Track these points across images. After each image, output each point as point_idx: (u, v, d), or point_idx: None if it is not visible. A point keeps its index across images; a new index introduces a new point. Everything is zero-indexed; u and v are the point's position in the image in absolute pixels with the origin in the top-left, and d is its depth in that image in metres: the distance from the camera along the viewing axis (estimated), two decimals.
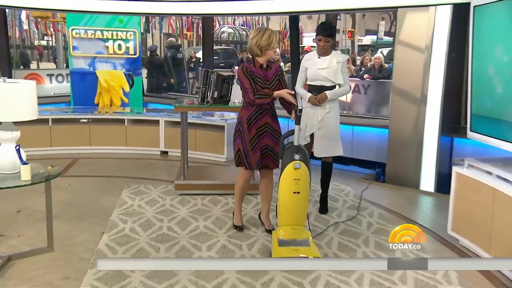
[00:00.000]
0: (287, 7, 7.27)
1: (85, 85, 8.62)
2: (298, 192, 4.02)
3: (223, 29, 26.66)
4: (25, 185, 3.79)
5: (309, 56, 5.07)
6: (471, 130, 4.79)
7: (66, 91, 9.29)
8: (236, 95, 8.86)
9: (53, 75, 10.34)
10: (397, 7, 6.37)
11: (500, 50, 4.31)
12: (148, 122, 8.03)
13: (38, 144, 7.36)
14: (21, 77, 8.69)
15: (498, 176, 3.98)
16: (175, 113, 7.42)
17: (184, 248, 4.21)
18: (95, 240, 4.35)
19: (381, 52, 14.76)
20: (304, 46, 17.57)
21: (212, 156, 7.43)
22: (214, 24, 12.77)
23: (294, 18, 8.50)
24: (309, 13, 7.70)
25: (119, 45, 8.63)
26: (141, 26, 10.70)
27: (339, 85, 4.94)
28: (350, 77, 10.53)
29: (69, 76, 9.05)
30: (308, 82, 5.00)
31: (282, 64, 11.03)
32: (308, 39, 22.20)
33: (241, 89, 4.40)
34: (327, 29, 4.91)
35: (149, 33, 22.25)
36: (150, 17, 20.47)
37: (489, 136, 4.51)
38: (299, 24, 9.04)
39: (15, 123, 3.93)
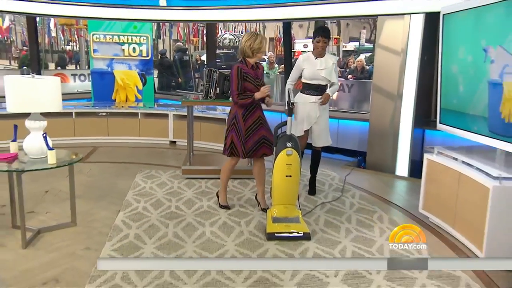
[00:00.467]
0: (281, 15, 7.25)
1: (104, 83, 8.61)
2: (290, 176, 4.03)
3: (225, 35, 26.59)
4: (51, 168, 3.77)
5: (305, 57, 4.96)
6: (440, 123, 4.80)
7: (88, 88, 9.27)
8: None
9: (76, 74, 10.35)
10: (377, 15, 6.35)
11: (463, 52, 4.32)
12: (159, 116, 8.01)
13: (63, 134, 7.35)
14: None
15: (463, 162, 3.99)
16: (182, 107, 7.40)
17: (190, 224, 4.20)
18: (112, 217, 4.36)
19: (365, 57, 14.76)
20: (295, 51, 17.59)
21: (215, 145, 7.40)
22: (217, 31, 12.72)
23: (287, 25, 8.48)
24: (300, 20, 7.66)
25: (134, 48, 8.60)
26: (153, 32, 10.66)
27: (332, 83, 4.94)
28: None
29: (90, 76, 9.03)
30: (306, 81, 4.91)
31: (276, 66, 11.00)
32: (299, 44, 22.23)
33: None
34: (325, 30, 4.95)
35: (160, 38, 22.13)
36: (161, 24, 20.36)
37: (455, 128, 4.52)
38: (291, 31, 8.99)
39: (42, 114, 3.92)
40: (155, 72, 10.30)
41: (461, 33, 4.40)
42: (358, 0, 6.36)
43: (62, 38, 28.49)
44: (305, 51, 5.24)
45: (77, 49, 23.66)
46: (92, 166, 6.25)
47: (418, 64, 6.02)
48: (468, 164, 3.90)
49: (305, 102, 4.86)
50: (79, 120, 7.75)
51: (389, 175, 6.29)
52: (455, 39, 4.49)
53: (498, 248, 3.50)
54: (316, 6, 6.74)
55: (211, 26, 9.68)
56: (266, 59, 12.37)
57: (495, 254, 3.52)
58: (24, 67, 10.31)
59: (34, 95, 3.73)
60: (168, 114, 7.92)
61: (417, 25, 5.96)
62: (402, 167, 6.28)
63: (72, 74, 10.37)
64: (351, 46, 29.07)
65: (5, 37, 29.00)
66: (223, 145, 4.59)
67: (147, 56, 8.69)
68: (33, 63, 9.11)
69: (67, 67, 17.46)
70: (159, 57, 11.35)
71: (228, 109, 5.10)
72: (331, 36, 5.05)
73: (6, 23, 26.38)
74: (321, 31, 4.89)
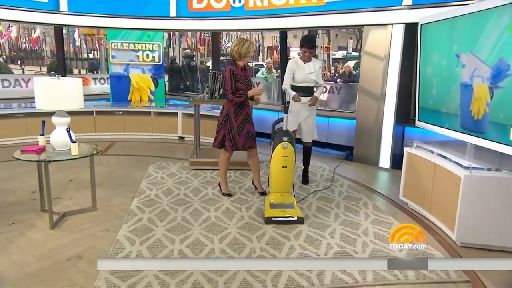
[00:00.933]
0: (278, 25, 7.26)
1: (121, 86, 8.59)
2: (286, 167, 4.05)
3: (228, 44, 26.53)
4: (74, 159, 3.78)
5: (295, 62, 4.91)
6: (418, 120, 4.80)
7: (107, 90, 9.25)
8: None
9: (97, 78, 10.31)
10: (363, 25, 6.34)
11: (438, 58, 4.32)
12: (169, 114, 7.98)
13: (85, 131, 7.34)
14: None
15: (438, 154, 3.99)
16: (190, 106, 7.42)
17: (196, 210, 4.20)
18: (128, 203, 4.36)
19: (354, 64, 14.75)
20: (290, 58, 17.54)
21: None
22: (221, 40, 12.68)
23: (283, 34, 8.46)
24: (295, 29, 7.64)
25: (147, 55, 8.58)
26: (164, 40, 10.63)
27: (318, 85, 4.92)
28: (326, 80, 10.60)
29: (108, 79, 9.02)
30: (296, 84, 4.86)
31: (274, 70, 10.97)
32: (294, 52, 22.18)
33: (224, 85, 4.46)
34: (310, 41, 4.86)
35: (170, 47, 22.11)
36: (171, 34, 20.34)
37: (432, 124, 4.53)
38: (287, 40, 8.97)
39: (66, 112, 3.93)
40: (166, 76, 10.28)
41: (436, 41, 4.40)
42: (347, 11, 6.36)
43: (85, 47, 28.53)
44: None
45: (98, 56, 23.71)
46: (110, 158, 6.25)
47: (399, 68, 6.01)
48: (443, 156, 3.90)
49: (296, 103, 4.82)
50: (99, 118, 7.74)
51: (373, 167, 6.29)
52: (432, 46, 4.49)
53: (468, 230, 3.51)
54: (309, 16, 6.74)
55: (216, 35, 9.67)
56: (265, 65, 12.35)
57: (465, 235, 3.54)
58: (52, 72, 10.32)
59: (59, 94, 3.74)
60: (177, 113, 7.91)
61: (398, 34, 5.95)
62: (385, 159, 6.28)
63: (93, 78, 10.36)
64: (339, 54, 29.12)
65: (36, 47, 29.06)
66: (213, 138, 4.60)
67: (159, 61, 8.67)
68: (59, 68, 9.14)
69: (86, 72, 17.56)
70: (169, 63, 11.32)
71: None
72: (316, 45, 5.00)
73: (37, 34, 26.46)
74: (305, 41, 4.80)
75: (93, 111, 7.72)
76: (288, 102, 4.22)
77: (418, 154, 4.28)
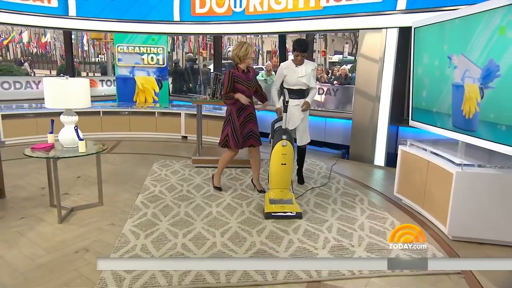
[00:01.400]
0: (277, 29, 7.25)
1: (126, 87, 8.57)
2: (285, 164, 4.04)
3: (229, 48, 26.52)
4: (81, 155, 3.78)
5: (287, 65, 4.73)
6: (412, 119, 4.79)
7: (113, 92, 9.23)
8: None
9: (104, 80, 10.29)
10: (359, 29, 6.33)
11: (431, 60, 4.31)
12: (173, 114, 7.98)
13: (93, 130, 7.36)
14: None
15: (431, 152, 3.98)
16: (193, 107, 7.42)
17: (199, 205, 4.19)
18: (133, 199, 4.35)
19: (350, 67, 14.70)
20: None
21: None
22: (222, 44, 12.66)
23: (282, 37, 8.46)
24: (293, 33, 7.64)
25: (152, 58, 8.56)
26: (168, 45, 10.60)
27: (310, 87, 4.75)
28: (324, 83, 10.59)
29: (115, 81, 9.00)
30: (289, 87, 4.69)
31: (273, 73, 10.95)
32: (292, 56, 22.16)
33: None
34: (302, 45, 4.62)
35: (174, 51, 22.08)
36: (175, 38, 20.33)
37: (425, 123, 4.52)
38: (286, 45, 8.97)
39: (74, 111, 3.92)
40: (170, 79, 10.26)
41: (429, 44, 4.39)
42: (343, 16, 6.35)
43: (93, 51, 28.57)
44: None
45: (105, 59, 23.73)
46: (116, 157, 6.24)
47: (393, 70, 6.00)
48: (435, 154, 3.90)
49: (289, 105, 4.47)
50: (105, 118, 7.74)
51: (368, 165, 6.28)
52: (424, 49, 4.48)
53: (459, 224, 3.50)
54: (307, 21, 6.73)
55: (217, 39, 9.66)
56: (264, 68, 12.33)
57: (457, 229, 3.53)
58: (61, 74, 10.30)
59: (67, 93, 3.74)
60: (180, 113, 7.91)
61: (392, 37, 5.94)
62: (380, 158, 6.26)
63: (100, 80, 10.34)
64: (336, 58, 29.08)
65: (46, 50, 29.11)
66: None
67: (163, 64, 8.65)
68: (68, 70, 9.15)
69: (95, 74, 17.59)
70: (173, 66, 11.32)
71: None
72: (308, 48, 4.73)
73: (47, 39, 26.51)
74: (297, 45, 4.60)
75: (100, 112, 7.72)
76: (287, 102, 4.19)
77: (411, 152, 4.27)
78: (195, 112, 6.37)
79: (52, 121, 4.04)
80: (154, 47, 8.53)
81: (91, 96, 4.02)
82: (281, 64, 4.86)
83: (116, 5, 8.13)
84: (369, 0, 6.06)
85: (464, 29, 3.74)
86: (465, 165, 3.46)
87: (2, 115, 6.93)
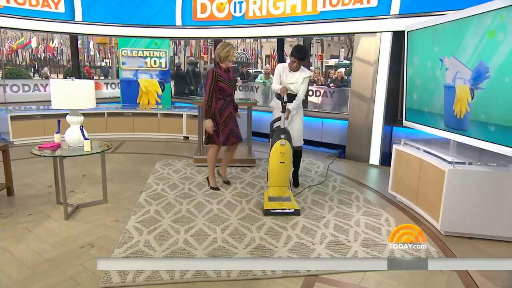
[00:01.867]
0: (276, 33, 7.26)
1: (130, 90, 8.57)
2: (283, 162, 4.03)
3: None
4: (87, 154, 3.78)
5: (282, 68, 4.51)
6: (406, 120, 4.80)
7: (117, 94, 9.24)
8: (238, 94, 8.87)
9: (108, 83, 10.31)
10: (354, 33, 6.34)
11: (424, 62, 4.31)
12: (175, 116, 7.97)
13: (98, 131, 7.37)
14: None
15: (424, 150, 3.99)
16: (194, 109, 7.43)
17: (200, 203, 4.18)
18: (136, 196, 4.35)
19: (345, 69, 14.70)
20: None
21: None
22: None
23: (281, 41, 8.47)
24: (291, 37, 7.64)
25: (155, 61, 8.55)
26: (171, 48, 10.60)
27: (298, 95, 4.47)
28: (320, 85, 10.58)
29: (119, 84, 9.00)
30: None
31: (272, 76, 10.94)
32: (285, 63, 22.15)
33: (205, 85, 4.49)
34: (300, 52, 4.35)
35: (176, 55, 22.07)
36: (177, 43, 20.33)
37: (418, 123, 4.53)
38: (284, 49, 8.98)
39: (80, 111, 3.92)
40: (172, 82, 10.27)
41: (421, 47, 4.40)
42: (339, 20, 6.36)
43: (98, 56, 28.62)
44: None
45: (110, 64, 23.77)
46: (120, 156, 6.23)
47: (387, 73, 6.01)
48: (428, 152, 3.90)
49: (279, 107, 4.36)
50: (110, 119, 7.74)
51: (364, 164, 6.28)
52: (417, 51, 4.49)
53: (451, 220, 3.50)
54: (304, 25, 6.75)
55: (218, 43, 9.61)
56: (263, 71, 12.32)
57: (449, 225, 3.53)
58: (68, 76, 10.33)
59: (73, 94, 3.73)
60: (182, 114, 7.91)
61: (386, 41, 5.95)
62: (375, 157, 6.27)
63: (105, 83, 10.35)
64: (332, 62, 29.11)
65: (54, 55, 29.15)
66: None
67: (166, 67, 8.65)
68: (74, 73, 9.21)
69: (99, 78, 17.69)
70: (175, 69, 11.30)
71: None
72: (306, 57, 4.44)
73: (54, 44, 26.54)
74: (296, 51, 4.35)
75: (104, 113, 7.71)
76: (286, 102, 4.18)
77: (405, 150, 4.27)
78: (196, 113, 6.37)
79: (59, 121, 4.04)
80: (157, 51, 8.53)
81: (96, 98, 4.02)
82: (278, 64, 4.69)
83: (121, 10, 8.16)
84: (364, 5, 6.07)
85: (455, 33, 3.75)
86: (456, 163, 3.46)
87: (11, 116, 6.93)
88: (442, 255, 3.16)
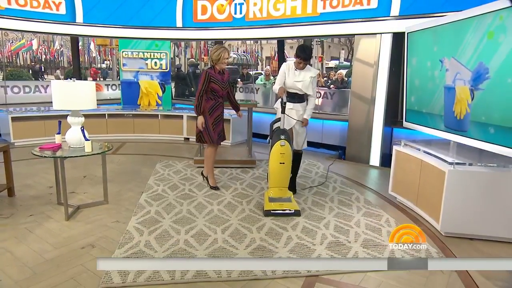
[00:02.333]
0: (276, 34, 7.28)
1: (131, 91, 8.59)
2: (283, 163, 4.02)
3: (230, 54, 26.50)
4: (88, 155, 3.78)
5: (288, 66, 4.41)
6: (406, 121, 4.80)
7: (118, 96, 9.27)
8: (239, 95, 8.89)
9: (109, 85, 10.34)
10: (355, 34, 6.35)
11: (424, 63, 4.31)
12: (175, 117, 7.98)
13: (98, 132, 7.39)
14: None
15: (424, 151, 3.99)
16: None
17: (200, 204, 4.19)
18: (137, 197, 4.35)
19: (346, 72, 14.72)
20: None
21: None
22: None
23: (281, 42, 8.49)
24: (291, 38, 7.65)
25: (155, 62, 8.57)
26: (171, 50, 10.62)
27: (309, 95, 4.40)
28: (320, 87, 10.59)
29: (120, 85, 9.02)
30: (285, 89, 4.38)
31: (272, 78, 10.96)
32: (290, 62, 22.16)
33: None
34: (304, 52, 4.28)
35: (177, 56, 22.10)
36: (178, 45, 20.35)
37: (418, 124, 4.53)
38: (284, 50, 9.00)
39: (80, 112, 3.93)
40: (172, 83, 10.29)
41: (421, 48, 4.40)
42: (339, 22, 6.37)
43: (99, 57, 28.68)
44: None
45: (110, 65, 23.81)
46: (121, 157, 6.24)
47: (387, 74, 6.02)
48: (428, 153, 3.90)
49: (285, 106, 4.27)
50: (110, 120, 7.75)
51: (364, 165, 6.29)
52: (417, 53, 4.49)
53: (451, 221, 3.50)
54: (304, 26, 6.76)
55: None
56: (263, 73, 12.34)
57: (449, 225, 3.53)
58: (69, 78, 10.37)
59: (74, 95, 3.74)
60: (182, 116, 7.92)
61: (387, 42, 5.97)
62: (375, 158, 6.28)
63: (105, 85, 10.38)
64: (332, 63, 29.17)
65: (55, 57, 29.23)
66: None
67: (166, 69, 8.66)
68: (75, 75, 9.25)
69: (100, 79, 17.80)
70: (175, 71, 11.32)
71: (232, 110, 5.08)
72: (311, 56, 4.37)
73: (56, 46, 26.62)
74: (300, 51, 4.28)
75: (105, 114, 7.73)
76: (286, 103, 4.18)
77: (405, 151, 4.27)
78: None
79: (60, 122, 4.05)
80: (157, 53, 8.55)
81: (96, 100, 4.02)
82: (284, 64, 4.54)
83: (121, 12, 8.16)
84: (364, 6, 6.08)
85: (455, 34, 3.76)
86: (457, 163, 3.46)
87: (12, 117, 6.94)
88: (442, 256, 3.16)
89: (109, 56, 24.52)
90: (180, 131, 7.93)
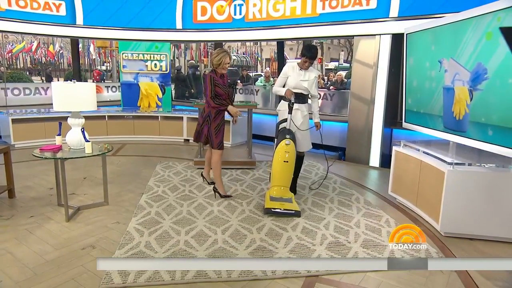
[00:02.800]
0: (276, 35, 7.29)
1: (131, 93, 8.61)
2: (287, 161, 4.06)
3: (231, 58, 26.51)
4: (88, 156, 3.79)
5: (291, 67, 4.41)
6: (405, 122, 4.81)
7: (118, 98, 9.28)
8: (238, 97, 8.89)
9: (109, 86, 10.35)
10: (354, 36, 6.37)
11: (423, 64, 4.32)
12: (175, 118, 7.98)
13: (99, 133, 7.38)
14: None
15: (424, 152, 4.00)
16: (194, 112, 7.44)
17: (201, 205, 4.19)
18: (137, 198, 4.36)
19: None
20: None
21: None
22: None
23: (280, 44, 8.50)
24: (291, 39, 7.67)
25: (155, 64, 8.59)
26: (171, 52, 10.64)
27: (312, 95, 4.44)
28: (320, 88, 10.60)
29: (120, 87, 9.03)
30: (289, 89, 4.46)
31: (272, 79, 10.97)
32: (290, 63, 22.17)
33: (204, 89, 4.44)
34: (311, 51, 4.27)
35: (177, 58, 22.13)
36: (178, 47, 20.38)
37: (417, 125, 4.54)
38: (284, 51, 9.01)
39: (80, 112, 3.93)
40: (172, 85, 10.30)
41: (420, 49, 4.42)
42: (338, 23, 6.39)
43: (99, 59, 28.71)
44: None
45: (110, 67, 23.85)
46: (121, 159, 6.25)
47: (386, 75, 6.03)
48: (428, 154, 3.91)
49: (287, 110, 4.33)
50: (110, 122, 7.76)
51: (364, 166, 6.30)
52: (416, 54, 4.51)
53: (451, 221, 3.51)
54: (304, 27, 6.77)
55: (218, 46, 9.67)
56: (263, 74, 12.35)
57: (449, 226, 3.53)
58: (69, 79, 10.38)
59: (74, 97, 3.75)
60: (182, 117, 7.92)
61: (386, 43, 5.98)
62: (374, 159, 6.29)
63: (105, 86, 10.38)
64: (331, 65, 29.23)
65: (55, 59, 29.27)
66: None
67: (166, 70, 8.68)
68: (75, 76, 9.22)
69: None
70: (175, 73, 11.34)
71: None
72: (317, 55, 4.38)
73: (56, 48, 26.65)
74: (307, 50, 4.28)
75: (105, 116, 7.74)
76: (293, 103, 4.20)
77: (405, 152, 4.28)
78: (197, 116, 6.38)
79: (60, 123, 4.06)
80: (157, 54, 8.57)
81: (97, 102, 4.03)
82: (287, 64, 4.54)
83: (121, 14, 8.19)
84: (363, 7, 6.10)
85: (454, 35, 3.77)
86: (456, 164, 3.47)
87: (12, 119, 6.95)
88: (442, 256, 3.17)
89: (109, 58, 24.56)
90: (180, 133, 7.93)
